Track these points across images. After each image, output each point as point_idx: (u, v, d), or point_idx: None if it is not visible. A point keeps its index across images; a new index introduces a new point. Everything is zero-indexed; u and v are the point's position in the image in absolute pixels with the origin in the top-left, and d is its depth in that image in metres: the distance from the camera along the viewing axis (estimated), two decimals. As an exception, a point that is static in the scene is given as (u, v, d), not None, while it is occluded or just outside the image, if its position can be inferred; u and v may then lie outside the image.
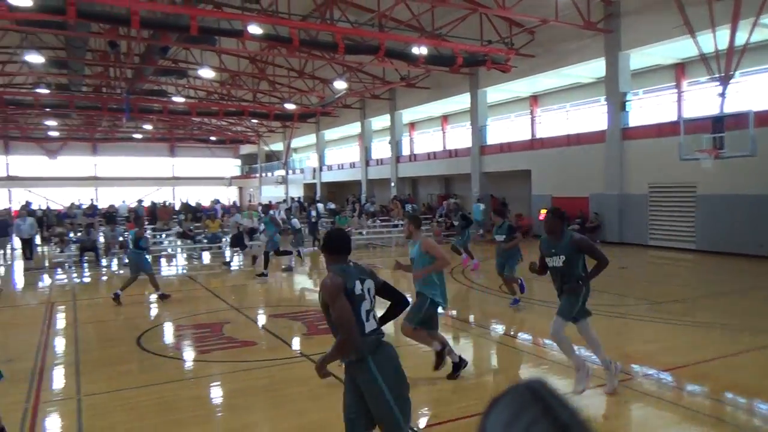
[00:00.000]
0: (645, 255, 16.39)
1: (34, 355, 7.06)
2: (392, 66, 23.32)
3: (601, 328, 8.34)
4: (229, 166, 55.51)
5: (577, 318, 5.46)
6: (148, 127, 41.54)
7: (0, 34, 22.85)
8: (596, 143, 19.24)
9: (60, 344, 7.64)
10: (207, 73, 23.48)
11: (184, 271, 15.72)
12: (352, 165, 36.43)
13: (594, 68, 19.84)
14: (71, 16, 13.76)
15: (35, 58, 20.01)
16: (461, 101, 26.33)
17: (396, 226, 22.35)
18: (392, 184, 31.00)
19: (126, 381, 6.01)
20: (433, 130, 33.46)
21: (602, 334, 7.99)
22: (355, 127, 35.82)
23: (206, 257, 18.11)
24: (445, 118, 32.05)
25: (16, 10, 13.57)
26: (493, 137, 25.17)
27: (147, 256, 11.10)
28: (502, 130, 26.11)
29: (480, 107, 24.64)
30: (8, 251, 18.40)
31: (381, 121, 33.01)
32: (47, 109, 29.61)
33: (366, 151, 34.12)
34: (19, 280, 14.69)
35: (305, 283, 13.91)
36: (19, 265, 16.73)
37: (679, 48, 17.01)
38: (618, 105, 18.24)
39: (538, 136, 23.78)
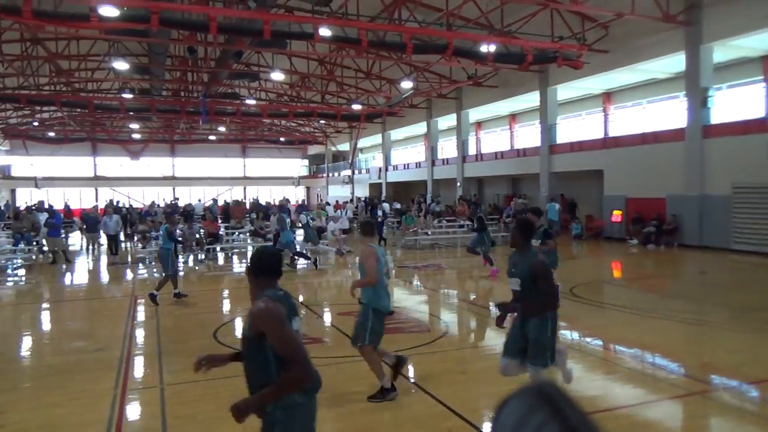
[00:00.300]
0: (727, 260, 15.51)
1: (121, 344, 7.54)
2: (459, 65, 23.17)
3: (677, 335, 8.02)
4: (297, 166, 56.83)
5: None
6: (222, 128, 43.21)
7: (90, 43, 24.39)
8: (674, 141, 18.35)
9: (143, 335, 8.10)
10: (278, 75, 24.15)
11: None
12: (418, 165, 36.46)
13: (672, 63, 18.94)
14: (154, 24, 14.52)
15: (121, 65, 21.24)
16: (530, 99, 25.82)
17: (462, 226, 22.19)
18: (458, 184, 30.80)
19: (205, 372, 6.29)
20: (501, 129, 32.97)
21: (679, 341, 7.68)
22: (421, 127, 35.83)
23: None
24: (513, 117, 31.51)
25: (105, 20, 14.45)
26: (563, 136, 24.52)
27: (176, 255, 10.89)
28: (573, 128, 25.39)
29: (550, 105, 24.06)
30: (96, 246, 19.67)
31: (447, 121, 32.86)
32: (131, 113, 31.40)
33: (432, 150, 34.07)
34: (105, 273, 15.67)
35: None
36: (105, 260, 17.86)
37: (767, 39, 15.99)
38: (699, 101, 17.33)
39: (611, 134, 22.97)
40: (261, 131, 46.68)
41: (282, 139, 48.25)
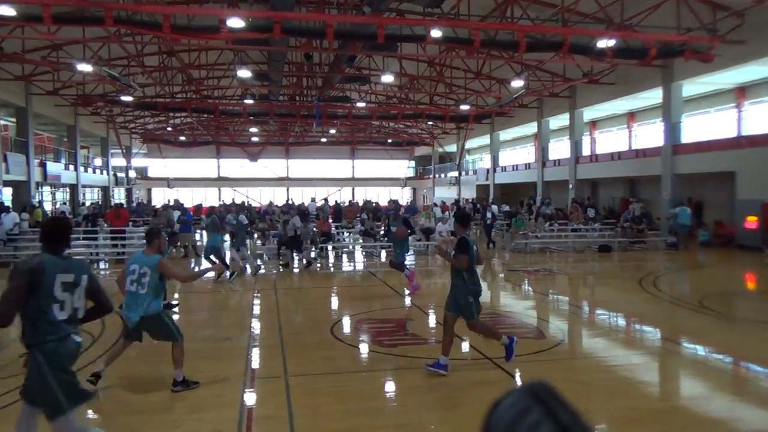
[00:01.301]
0: None
1: (247, 335, 8.05)
2: (574, 62, 22.30)
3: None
4: (404, 167, 57.42)
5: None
6: (333, 131, 44.73)
7: (217, 54, 26.27)
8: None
9: (265, 327, 8.58)
10: (388, 78, 24.57)
11: (365, 268, 16.66)
12: (527, 166, 35.51)
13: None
14: (276, 33, 15.36)
15: (244, 73, 22.64)
16: (651, 96, 24.23)
17: (575, 230, 21.33)
18: (570, 186, 29.60)
19: (325, 366, 6.58)
20: (617, 129, 31.27)
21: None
22: (531, 127, 34.86)
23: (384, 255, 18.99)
24: (631, 115, 29.75)
25: (232, 31, 15.51)
26: (688, 135, 22.78)
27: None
28: (700, 126, 23.51)
29: (674, 102, 22.43)
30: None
31: (559, 120, 31.70)
32: (251, 118, 33.37)
33: (543, 151, 33.03)
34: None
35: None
36: (228, 255, 19.09)
37: None
38: None
39: (745, 132, 21.00)
40: (369, 133, 47.78)
41: (390, 140, 49.02)
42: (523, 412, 0.87)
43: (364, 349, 7.46)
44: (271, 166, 53.40)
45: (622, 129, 30.56)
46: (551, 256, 18.70)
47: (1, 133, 25.90)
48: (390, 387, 6.10)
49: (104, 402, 5.53)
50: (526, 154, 39.75)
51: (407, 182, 56.71)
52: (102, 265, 16.78)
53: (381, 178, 55.97)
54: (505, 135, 39.94)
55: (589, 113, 30.10)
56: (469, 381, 6.05)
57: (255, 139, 47.28)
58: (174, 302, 10.15)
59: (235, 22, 15.19)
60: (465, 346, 7.48)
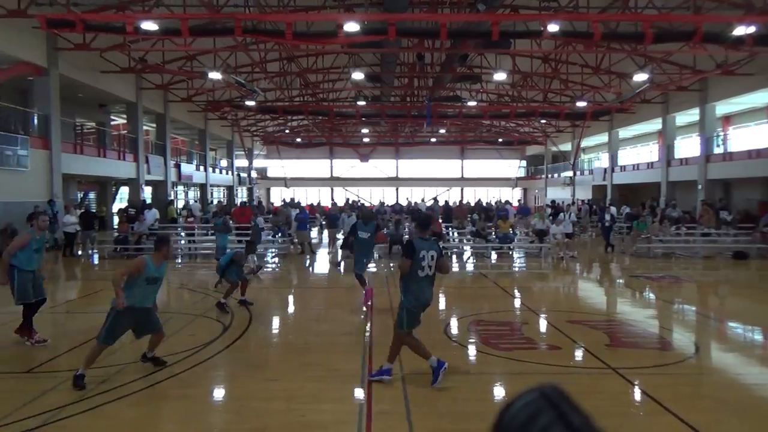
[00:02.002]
0: None
1: (363, 330, 8.28)
2: (706, 52, 20.58)
3: None
4: (515, 167, 56.09)
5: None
6: (443, 131, 44.68)
7: (332, 58, 27.23)
8: None
9: (380, 325, 8.75)
10: (500, 76, 24.12)
11: (476, 269, 16.49)
12: (650, 165, 33.28)
13: None
14: (391, 35, 15.63)
15: (358, 75, 23.27)
16: (798, 87, 21.79)
17: (705, 234, 19.69)
18: (699, 187, 27.35)
19: (440, 366, 6.59)
20: (756, 124, 28.43)
21: None
22: (654, 124, 32.67)
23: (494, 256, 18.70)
24: (772, 109, 26.94)
25: (349, 35, 16.00)
26: None
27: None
28: None
29: (828, 93, 20.02)
30: (336, 241, 21.86)
31: (687, 116, 29.42)
32: (363, 119, 34.23)
33: (668, 149, 30.80)
34: (343, 265, 17.30)
35: (594, 291, 13.27)
36: (341, 253, 19.72)
37: None
38: None
39: None
40: (480, 132, 47.18)
41: (500, 139, 48.13)
42: (534, 414, 0.87)
43: (479, 350, 7.39)
44: (381, 166, 54.41)
45: (761, 124, 27.75)
46: (677, 262, 17.42)
47: (144, 138, 28.59)
48: (504, 391, 6.00)
49: (234, 389, 5.94)
50: (648, 152, 37.30)
51: (518, 182, 55.32)
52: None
53: (491, 178, 55.07)
54: (625, 132, 37.75)
55: (723, 107, 27.66)
56: (587, 390, 5.80)
57: (366, 139, 48.48)
58: None
59: (352, 26, 15.66)
60: (580, 354, 7.18)
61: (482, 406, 5.41)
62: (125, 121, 29.85)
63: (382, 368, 6.03)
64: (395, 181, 54.45)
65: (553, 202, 32.28)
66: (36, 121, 20.14)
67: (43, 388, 5.81)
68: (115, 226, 23.87)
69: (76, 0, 16.07)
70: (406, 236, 17.19)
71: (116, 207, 29.88)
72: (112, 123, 31.41)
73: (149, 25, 15.69)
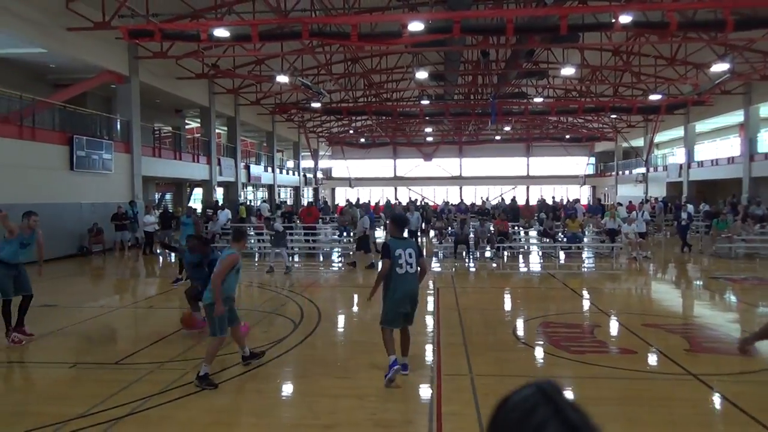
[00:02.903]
0: None
1: (431, 332, 8.28)
2: (796, 39, 19.22)
3: None
4: (583, 164, 54.39)
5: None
6: (508, 128, 43.94)
7: (396, 58, 27.35)
8: None
9: (447, 325, 8.73)
10: (568, 70, 23.46)
11: (544, 269, 16.14)
12: (731, 160, 31.42)
13: None
14: (455, 33, 15.54)
15: (422, 74, 23.25)
16: None
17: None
18: (787, 183, 25.58)
19: (510, 368, 6.53)
20: None
21: None
22: (735, 116, 30.82)
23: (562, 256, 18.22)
24: None
25: (414, 34, 16.03)
26: None
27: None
28: None
29: None
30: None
31: (773, 107, 27.58)
32: (427, 118, 34.17)
33: (750, 143, 28.98)
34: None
35: (670, 293, 12.67)
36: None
37: None
38: None
39: None
40: (546, 129, 46.07)
41: (567, 136, 46.79)
42: (531, 409, 0.86)
43: (549, 353, 7.24)
44: (444, 164, 54.14)
45: None
46: (762, 263, 16.38)
47: (216, 141, 29.75)
48: (578, 396, 5.85)
49: (306, 386, 6.09)
50: (729, 146, 35.24)
51: (586, 180, 53.61)
52: (296, 258, 18.42)
53: (557, 175, 53.63)
54: (702, 126, 35.84)
55: (815, 97, 25.75)
56: (666, 396, 5.57)
57: (430, 138, 48.39)
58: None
59: (416, 26, 15.68)
60: (657, 359, 6.89)
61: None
62: (199, 125, 31.15)
63: (390, 366, 5.90)
64: (459, 180, 54.03)
65: (599, 200, 31.06)
66: (119, 126, 21.36)
67: (129, 379, 6.17)
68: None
69: (155, 11, 16.89)
70: (472, 236, 17.06)
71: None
72: (187, 127, 32.84)
73: (221, 32, 16.29)
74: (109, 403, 5.42)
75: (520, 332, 8.36)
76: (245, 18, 17.73)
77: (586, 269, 16.18)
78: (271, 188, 39.29)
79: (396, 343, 6.16)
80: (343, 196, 50.65)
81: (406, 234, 7.02)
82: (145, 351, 7.33)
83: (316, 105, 28.92)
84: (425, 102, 31.10)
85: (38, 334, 8.13)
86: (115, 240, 18.95)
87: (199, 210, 24.65)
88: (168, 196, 31.54)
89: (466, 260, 16.67)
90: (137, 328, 9.43)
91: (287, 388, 6.15)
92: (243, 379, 6.21)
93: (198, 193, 32.38)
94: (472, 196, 45.77)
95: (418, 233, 19.65)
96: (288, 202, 34.02)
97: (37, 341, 7.92)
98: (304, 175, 46.76)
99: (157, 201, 27.94)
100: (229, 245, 6.69)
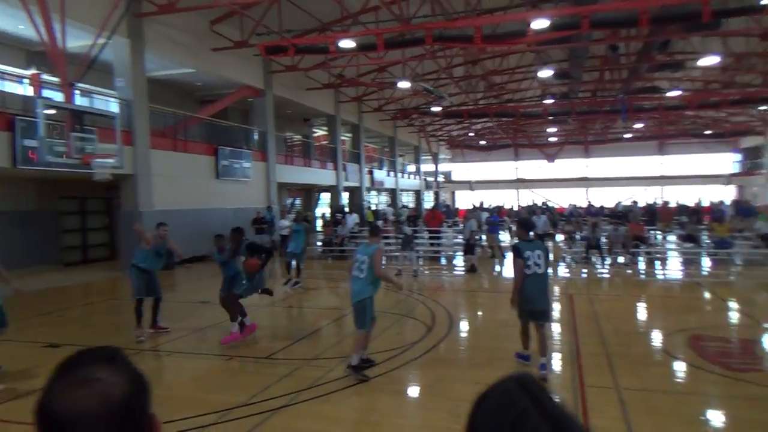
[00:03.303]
0: None
1: (569, 340, 8.00)
2: None
3: None
4: (727, 162, 49.56)
5: None
6: (640, 125, 41.24)
7: (518, 57, 26.77)
8: None
9: (587, 334, 8.37)
10: (709, 60, 21.54)
11: (688, 277, 14.96)
12: None
13: None
14: (584, 28, 14.92)
15: (546, 73, 22.56)
16: None
17: None
18: None
19: (662, 383, 6.14)
20: None
21: None
22: None
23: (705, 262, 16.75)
24: None
25: (538, 32, 15.62)
26: None
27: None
28: None
29: None
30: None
31: None
32: (550, 118, 33.05)
33: None
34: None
35: None
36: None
37: None
38: None
39: None
40: (682, 125, 42.63)
41: (707, 131, 42.94)
42: (510, 402, 0.87)
43: (701, 368, 6.71)
44: (569, 166, 51.95)
45: None
46: None
47: (342, 147, 31.00)
48: (733, 418, 5.36)
49: (444, 389, 6.16)
50: None
51: (731, 179, 48.79)
52: (421, 262, 18.63)
53: (695, 175, 49.29)
54: None
55: None
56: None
57: (553, 139, 46.69)
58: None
59: (541, 24, 15.26)
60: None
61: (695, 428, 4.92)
62: (325, 133, 32.60)
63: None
64: (584, 182, 51.51)
65: (747, 202, 27.87)
66: (255, 137, 22.96)
67: (280, 373, 6.62)
68: (319, 230, 26.18)
69: (288, 27, 17.97)
70: (604, 240, 16.25)
71: (319, 212, 32.77)
72: (314, 135, 34.51)
73: (348, 43, 16.95)
74: (265, 395, 5.85)
75: (666, 344, 7.83)
76: (370, 27, 18.30)
77: (736, 278, 14.76)
78: (393, 192, 40.10)
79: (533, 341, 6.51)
80: (463, 199, 50.46)
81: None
82: (292, 347, 7.83)
83: (436, 109, 29.09)
84: (549, 101, 30.10)
85: (198, 327, 8.97)
86: (254, 242, 20.39)
87: (327, 214, 25.82)
88: (297, 201, 33.33)
89: (598, 266, 15.89)
90: (281, 325, 10.08)
91: (427, 391, 6.25)
92: (382, 380, 6.40)
93: (325, 197, 33.87)
94: (599, 198, 43.49)
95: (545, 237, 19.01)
96: (409, 206, 34.53)
97: (197, 333, 8.75)
98: (425, 179, 47.17)
99: (288, 206, 29.64)
100: (366, 242, 6.98)
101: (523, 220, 7.28)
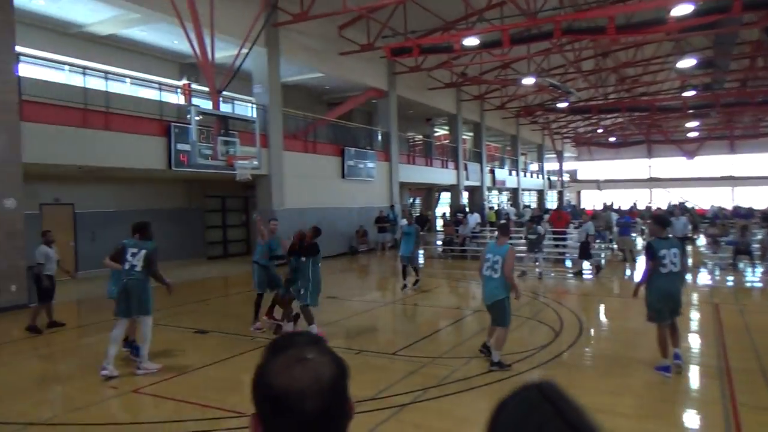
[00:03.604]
0: None
1: (716, 353, 7.33)
2: None
3: None
4: None
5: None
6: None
7: (654, 47, 24.94)
8: None
9: (737, 348, 7.62)
10: None
11: None
12: None
13: None
14: (735, 11, 13.60)
15: (687, 63, 20.81)
16: None
17: None
18: None
19: None
20: None
21: None
22: None
23: None
24: None
25: (680, 19, 14.46)
26: None
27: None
28: None
29: None
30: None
31: None
32: (691, 111, 30.45)
33: None
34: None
35: None
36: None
37: None
38: None
39: None
40: None
41: None
42: (531, 410, 0.85)
43: None
44: (710, 163, 47.45)
45: None
46: None
47: (462, 146, 30.83)
48: None
49: (578, 396, 5.91)
50: None
51: None
52: (544, 263, 18.02)
53: None
54: None
55: None
56: None
57: (693, 134, 42.91)
58: None
59: (684, 9, 14.10)
60: None
61: None
62: (446, 132, 32.60)
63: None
64: (730, 181, 46.77)
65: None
66: (379, 137, 23.54)
67: (406, 369, 6.74)
68: (439, 229, 26.26)
69: (412, 28, 18.20)
70: (757, 245, 14.68)
71: (439, 211, 32.88)
72: (436, 134, 34.64)
73: (472, 41, 16.81)
74: (392, 390, 5.99)
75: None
76: (495, 24, 18.01)
77: None
78: (515, 192, 39.17)
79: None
80: (588, 199, 48.05)
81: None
82: (417, 345, 7.93)
83: (562, 105, 27.95)
84: (689, 93, 27.70)
85: (326, 321, 9.39)
86: (377, 241, 20.98)
87: (447, 213, 25.84)
88: (417, 201, 33.66)
89: (746, 273, 14.39)
90: (404, 323, 10.26)
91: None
92: (508, 384, 6.28)
93: (445, 197, 33.88)
94: (747, 198, 39.25)
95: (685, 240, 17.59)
96: (531, 206, 33.52)
97: (326, 328, 9.14)
98: (548, 178, 45.54)
99: (410, 205, 30.06)
100: (495, 241, 7.03)
101: (659, 216, 7.21)
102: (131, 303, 6.69)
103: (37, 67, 13.04)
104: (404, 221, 20.14)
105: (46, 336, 8.87)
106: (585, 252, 14.54)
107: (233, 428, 5.21)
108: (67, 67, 13.96)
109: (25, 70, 11.84)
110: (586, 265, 14.98)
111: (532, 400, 0.87)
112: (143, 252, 6.78)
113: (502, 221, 11.79)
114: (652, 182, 49.26)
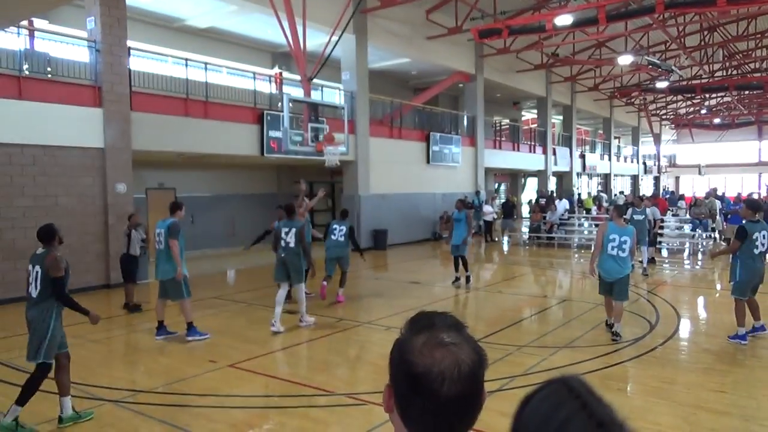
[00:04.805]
0: None
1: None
2: None
3: None
4: None
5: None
6: None
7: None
8: None
9: None
10: None
11: None
12: None
13: None
14: None
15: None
16: None
17: None
18: None
19: None
20: None
21: None
22: None
23: None
24: None
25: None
26: None
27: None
28: None
29: None
30: None
31: None
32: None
33: None
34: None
35: None
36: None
37: None
38: None
39: None
40: None
41: None
42: (557, 405, 0.83)
43: None
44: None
45: None
46: None
47: (552, 130, 29.81)
48: None
49: (680, 393, 5.65)
50: None
51: None
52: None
53: None
54: None
55: None
56: None
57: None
58: None
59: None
60: None
61: None
62: (534, 116, 31.62)
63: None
64: None
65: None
66: (465, 122, 23.24)
67: (492, 357, 6.51)
68: (526, 216, 25.65)
69: (502, 9, 17.74)
70: None
71: (525, 197, 32.08)
72: (523, 118, 33.70)
73: (565, 20, 16.13)
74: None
75: None
76: (590, 1, 17.17)
77: None
78: (607, 177, 37.45)
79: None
80: (687, 185, 45.03)
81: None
82: (502, 333, 7.85)
83: (662, 85, 26.26)
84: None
85: (409, 307, 9.47)
86: (461, 226, 20.77)
87: (533, 199, 25.18)
88: (503, 186, 32.99)
89: None
90: (490, 310, 10.17)
91: (653, 393, 5.76)
92: (600, 376, 6.06)
93: (531, 183, 32.98)
94: None
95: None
96: (625, 193, 31.84)
97: (408, 313, 9.23)
98: (644, 163, 43.09)
99: (495, 191, 29.53)
100: (612, 222, 7.44)
101: (751, 201, 7.84)
102: (289, 272, 7.94)
103: (143, 60, 13.95)
104: (490, 207, 19.93)
105: (147, 312, 9.44)
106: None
107: (321, 405, 5.42)
108: (169, 59, 14.83)
109: (133, 63, 12.69)
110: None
111: (559, 394, 0.86)
112: (293, 230, 7.93)
113: (618, 203, 11.43)
114: (762, 167, 45.31)
